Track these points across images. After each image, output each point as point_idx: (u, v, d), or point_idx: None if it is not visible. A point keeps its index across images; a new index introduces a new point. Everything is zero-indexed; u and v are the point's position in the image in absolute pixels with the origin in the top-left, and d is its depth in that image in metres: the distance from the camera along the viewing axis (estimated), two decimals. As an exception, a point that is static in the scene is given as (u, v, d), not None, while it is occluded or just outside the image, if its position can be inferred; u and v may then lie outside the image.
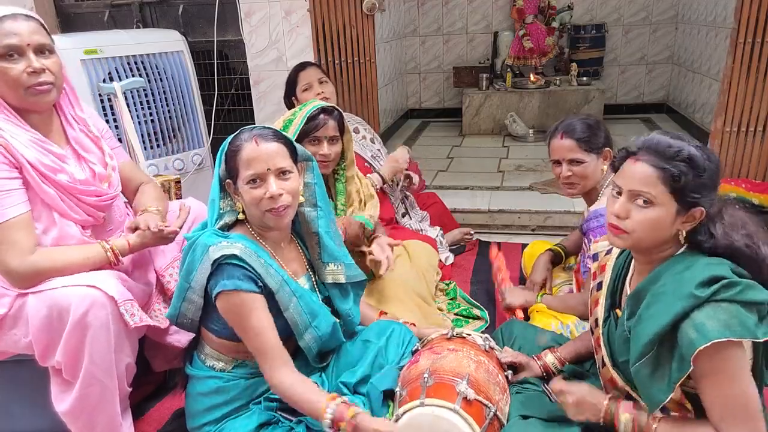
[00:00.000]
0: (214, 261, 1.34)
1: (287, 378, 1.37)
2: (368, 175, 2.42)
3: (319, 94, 2.51)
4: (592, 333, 1.37)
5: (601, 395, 1.28)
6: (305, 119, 1.87)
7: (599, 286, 1.36)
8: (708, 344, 1.02)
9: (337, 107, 1.98)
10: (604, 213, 1.25)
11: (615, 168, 1.22)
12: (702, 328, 1.04)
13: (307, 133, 1.88)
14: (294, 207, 1.45)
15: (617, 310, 1.30)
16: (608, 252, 1.39)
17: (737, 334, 1.03)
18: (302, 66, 2.64)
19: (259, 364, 1.39)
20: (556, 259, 2.17)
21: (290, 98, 2.62)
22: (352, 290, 1.65)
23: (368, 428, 1.27)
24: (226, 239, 1.39)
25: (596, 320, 1.34)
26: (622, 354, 1.22)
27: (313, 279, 1.60)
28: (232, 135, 1.44)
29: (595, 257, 1.44)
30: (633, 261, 1.29)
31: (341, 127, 1.96)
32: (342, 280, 1.59)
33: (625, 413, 1.21)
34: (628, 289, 1.28)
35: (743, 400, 1.07)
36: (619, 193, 1.18)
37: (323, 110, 1.91)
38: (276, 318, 1.41)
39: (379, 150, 2.74)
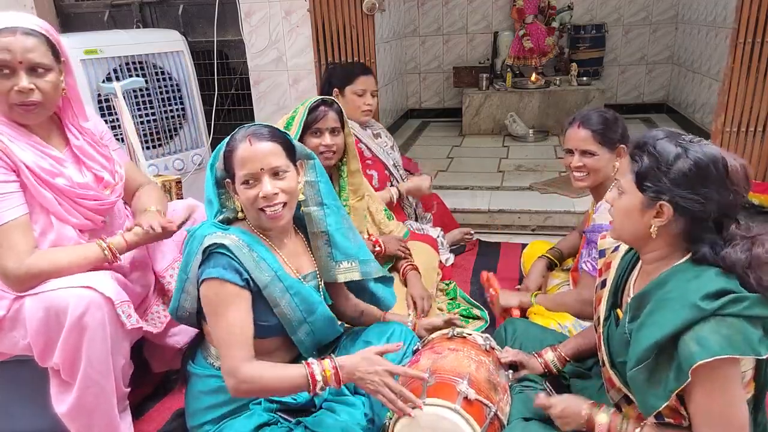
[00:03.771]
0: (205, 249, 1.34)
1: (255, 366, 1.32)
2: (390, 188, 2.48)
3: (368, 104, 2.48)
4: (596, 331, 1.37)
5: (582, 403, 1.28)
6: (307, 112, 1.93)
7: (603, 284, 1.36)
8: (710, 360, 1.01)
9: (336, 100, 2.01)
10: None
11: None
12: (705, 342, 1.02)
13: (308, 126, 1.93)
14: (291, 207, 1.43)
15: (618, 311, 1.30)
16: (615, 249, 1.38)
17: (739, 351, 1.01)
18: (367, 70, 2.54)
19: (223, 360, 1.33)
20: (551, 266, 2.17)
21: (332, 89, 2.46)
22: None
23: (351, 363, 1.30)
24: (223, 231, 1.39)
25: (598, 318, 1.34)
26: (620, 355, 1.21)
27: (320, 279, 1.57)
28: (231, 134, 1.43)
29: (602, 253, 1.43)
30: (639, 262, 1.28)
31: (342, 121, 1.99)
32: (357, 277, 1.58)
33: (601, 414, 1.23)
34: (631, 290, 1.27)
35: (731, 416, 1.06)
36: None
37: (323, 102, 1.97)
38: (268, 315, 1.40)
39: (397, 157, 2.72)
